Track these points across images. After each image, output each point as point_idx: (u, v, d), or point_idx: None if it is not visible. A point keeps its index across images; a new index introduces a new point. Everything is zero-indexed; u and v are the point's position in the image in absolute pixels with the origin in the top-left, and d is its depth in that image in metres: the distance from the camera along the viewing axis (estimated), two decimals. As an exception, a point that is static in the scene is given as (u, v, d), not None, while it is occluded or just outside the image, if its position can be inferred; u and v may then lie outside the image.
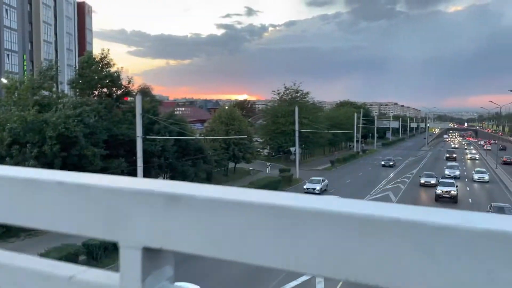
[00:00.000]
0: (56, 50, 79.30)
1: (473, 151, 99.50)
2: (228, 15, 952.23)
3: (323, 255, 0.57)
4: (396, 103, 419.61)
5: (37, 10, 72.35)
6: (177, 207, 0.69)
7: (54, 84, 28.96)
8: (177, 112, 66.29)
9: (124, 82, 32.45)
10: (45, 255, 16.28)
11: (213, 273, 19.25)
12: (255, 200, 0.64)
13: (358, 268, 0.55)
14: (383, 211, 0.56)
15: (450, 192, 37.48)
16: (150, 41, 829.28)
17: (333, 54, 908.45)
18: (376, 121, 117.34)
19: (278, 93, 70.72)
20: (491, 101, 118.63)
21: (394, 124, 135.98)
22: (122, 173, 30.14)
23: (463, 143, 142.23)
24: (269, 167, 55.28)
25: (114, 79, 31.28)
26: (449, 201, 37.29)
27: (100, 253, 19.63)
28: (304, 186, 42.00)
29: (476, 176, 52.17)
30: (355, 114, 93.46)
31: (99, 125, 28.87)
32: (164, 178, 39.36)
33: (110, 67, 31.38)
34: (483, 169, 56.58)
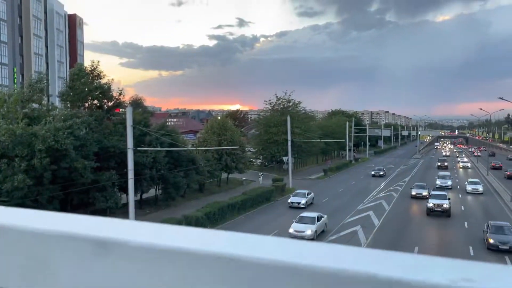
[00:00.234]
0: (47, 63, 78.92)
1: (465, 159, 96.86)
2: (220, 26, 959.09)
3: None
4: (387, 112, 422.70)
5: (28, 23, 72.14)
6: (106, 256, 0.57)
7: (44, 97, 28.71)
8: (169, 123, 66.13)
9: (115, 94, 32.30)
10: None
11: None
12: (201, 248, 0.50)
13: None
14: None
15: (442, 205, 34.96)
16: (142, 53, 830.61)
17: (324, 64, 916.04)
18: (368, 129, 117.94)
19: (270, 103, 70.90)
20: (481, 109, 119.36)
21: (386, 133, 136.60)
22: (113, 185, 29.90)
23: (455, 150, 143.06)
24: (261, 177, 55.11)
25: (105, 91, 31.09)
26: (441, 215, 35.08)
27: None
28: (289, 200, 39.61)
29: (469, 188, 48.99)
30: (347, 123, 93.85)
31: (90, 137, 28.61)
32: (156, 190, 39.06)
33: (100, 78, 31.22)
34: (477, 180, 52.91)
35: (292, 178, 54.41)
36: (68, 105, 31.69)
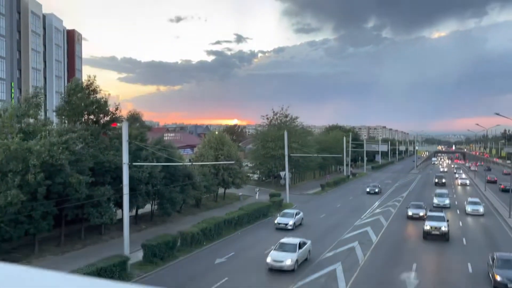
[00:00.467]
0: (44, 77, 79.08)
1: (463, 176, 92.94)
2: (218, 42, 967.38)
3: None
4: (384, 127, 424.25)
5: (26, 38, 72.47)
6: None
7: (40, 112, 28.58)
8: (166, 138, 66.01)
9: (111, 108, 32.18)
10: None
11: None
12: None
13: None
14: None
15: (440, 228, 31.85)
16: (141, 68, 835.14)
17: (321, 79, 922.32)
18: (365, 144, 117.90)
19: (267, 118, 70.97)
20: (478, 124, 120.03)
21: (383, 148, 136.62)
22: (108, 200, 29.56)
23: (452, 166, 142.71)
24: (258, 192, 54.75)
25: (101, 106, 31.02)
26: (439, 238, 31.95)
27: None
28: (276, 221, 36.79)
29: (469, 208, 45.48)
30: (344, 138, 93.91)
31: (85, 152, 28.41)
32: (152, 205, 38.69)
33: (96, 93, 31.18)
34: (477, 200, 48.69)
35: (289, 193, 54.15)
36: (65, 120, 31.57)
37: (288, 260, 24.70)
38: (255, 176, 71.63)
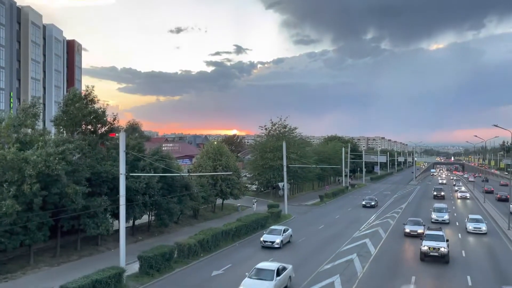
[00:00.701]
0: (44, 87, 79.29)
1: (463, 189, 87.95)
2: (218, 53, 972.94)
3: None
4: (383, 138, 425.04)
5: (26, 48, 72.78)
6: None
7: (38, 121, 28.48)
8: (165, 148, 65.88)
9: (109, 119, 32.11)
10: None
11: None
12: None
13: None
14: None
15: (439, 249, 28.81)
16: (140, 78, 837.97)
17: (320, 90, 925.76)
18: (364, 155, 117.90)
19: (266, 128, 71.00)
20: (476, 136, 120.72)
21: (382, 159, 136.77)
22: (105, 211, 29.34)
23: (451, 178, 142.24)
24: (255, 204, 54.41)
25: (99, 116, 30.96)
26: (438, 260, 29.08)
27: None
28: (262, 239, 33.64)
29: (470, 226, 41.23)
30: (343, 149, 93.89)
31: (82, 162, 28.27)
32: (149, 216, 38.44)
33: (94, 103, 31.14)
34: (479, 216, 43.74)
35: (288, 204, 53.92)
36: (62, 130, 31.47)
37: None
38: (254, 187, 71.38)
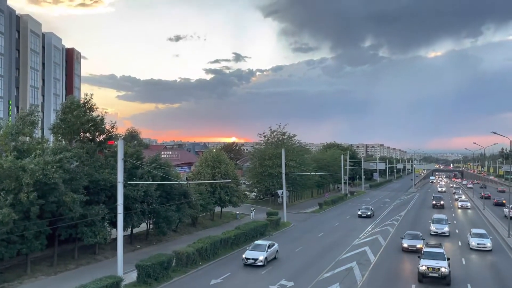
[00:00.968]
0: (43, 96, 79.25)
1: (463, 198, 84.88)
2: (217, 61, 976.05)
3: None
4: (382, 145, 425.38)
5: (25, 56, 72.87)
6: None
7: (36, 130, 28.41)
8: (163, 156, 65.62)
9: (107, 126, 32.05)
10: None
11: None
12: None
13: None
14: None
15: (439, 269, 25.92)
16: (139, 86, 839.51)
17: (319, 97, 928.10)
18: (363, 162, 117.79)
19: (264, 136, 70.94)
20: (475, 143, 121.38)
21: (381, 166, 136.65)
22: (102, 220, 29.14)
23: (451, 185, 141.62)
24: (253, 212, 54.06)
25: (97, 124, 30.89)
26: (437, 282, 26.18)
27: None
28: (244, 255, 30.33)
29: (474, 242, 36.80)
30: (342, 156, 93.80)
31: (80, 170, 28.14)
32: (147, 224, 38.21)
33: (93, 111, 31.09)
34: (483, 231, 39.29)
35: (287, 211, 53.72)
36: (60, 138, 31.36)
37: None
38: (253, 195, 71.16)
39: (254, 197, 71.74)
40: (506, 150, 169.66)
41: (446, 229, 43.84)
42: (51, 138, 36.37)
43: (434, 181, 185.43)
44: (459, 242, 40.44)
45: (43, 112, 77.07)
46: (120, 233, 25.11)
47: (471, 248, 36.79)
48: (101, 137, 31.90)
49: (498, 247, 38.07)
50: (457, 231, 46.58)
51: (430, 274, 26.23)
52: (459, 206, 72.68)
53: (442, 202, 72.59)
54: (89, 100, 30.96)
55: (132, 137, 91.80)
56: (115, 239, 27.03)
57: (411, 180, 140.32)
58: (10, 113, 66.71)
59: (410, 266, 30.52)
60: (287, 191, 60.21)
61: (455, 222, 54.20)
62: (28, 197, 22.76)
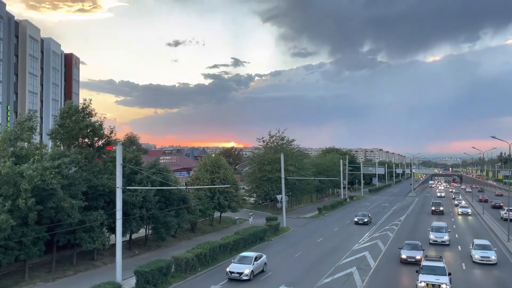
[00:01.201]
0: (41, 101, 79.20)
1: (463, 203, 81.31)
2: (215, 66, 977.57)
3: None
4: (381, 150, 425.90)
5: (24, 61, 72.89)
6: None
7: (34, 135, 28.32)
8: (162, 161, 65.58)
9: (106, 132, 31.95)
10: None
11: None
12: None
13: None
14: None
15: (440, 286, 23.94)
16: (138, 91, 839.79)
17: (318, 102, 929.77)
18: (362, 167, 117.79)
19: (263, 141, 70.91)
20: (474, 147, 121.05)
21: (380, 170, 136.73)
22: (101, 225, 28.99)
23: (450, 190, 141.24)
24: (251, 217, 53.78)
25: (96, 129, 30.80)
26: None
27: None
28: (228, 269, 27.82)
29: (477, 255, 33.19)
30: (341, 161, 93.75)
31: (78, 176, 28.02)
32: (146, 230, 38.04)
33: (91, 116, 31.02)
34: (486, 242, 35.61)
35: (286, 216, 53.55)
36: (59, 143, 31.27)
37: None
38: (252, 200, 70.99)
39: (253, 202, 71.56)
40: (505, 155, 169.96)
41: (446, 237, 41.20)
42: (50, 144, 36.29)
43: (433, 185, 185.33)
44: (461, 253, 37.42)
45: (41, 118, 76.97)
46: (118, 239, 24.96)
47: (474, 262, 33.20)
48: (100, 143, 31.79)
49: (504, 260, 34.50)
50: (458, 241, 43.15)
51: None
52: (459, 213, 69.49)
53: (441, 208, 70.09)
54: (88, 105, 30.90)
55: (131, 142, 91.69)
56: (114, 245, 26.87)
57: (410, 184, 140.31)
58: (8, 119, 66.62)
59: (411, 270, 30.06)
60: (287, 196, 60.08)
61: (455, 230, 50.88)
62: (26, 203, 22.63)
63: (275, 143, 70.11)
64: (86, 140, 31.18)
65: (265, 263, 30.15)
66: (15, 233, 23.38)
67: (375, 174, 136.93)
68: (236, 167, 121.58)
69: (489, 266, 32.33)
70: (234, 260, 28.92)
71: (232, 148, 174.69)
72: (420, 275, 25.24)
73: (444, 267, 26.17)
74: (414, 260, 32.24)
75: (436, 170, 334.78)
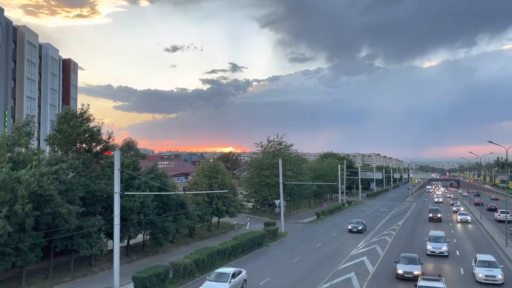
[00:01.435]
0: (39, 106, 79.06)
1: (462, 210, 78.23)
2: (213, 71, 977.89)
3: None
4: (378, 154, 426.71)
5: (22, 67, 72.84)
6: None
7: (32, 140, 28.26)
8: (160, 166, 65.42)
9: (104, 137, 31.92)
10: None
11: None
12: None
13: None
14: None
15: None
16: (136, 96, 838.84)
17: (315, 107, 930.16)
18: (360, 172, 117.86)
19: (261, 145, 70.94)
20: (471, 152, 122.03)
21: (378, 175, 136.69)
22: (99, 231, 28.88)
23: (448, 196, 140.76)
24: (248, 222, 53.49)
25: (94, 134, 30.76)
26: None
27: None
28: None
29: (480, 274, 29.06)
30: (339, 166, 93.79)
31: (76, 181, 27.93)
32: (144, 235, 37.89)
33: (89, 121, 30.99)
34: (491, 258, 31.15)
35: (284, 221, 53.45)
36: (57, 148, 31.19)
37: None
38: (250, 205, 70.87)
39: (251, 207, 71.44)
40: (502, 159, 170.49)
41: (444, 248, 37.94)
42: (47, 149, 36.19)
43: (431, 190, 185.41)
44: (461, 268, 33.31)
45: (39, 123, 76.81)
46: (116, 244, 24.86)
47: (477, 281, 29.03)
48: (98, 148, 31.75)
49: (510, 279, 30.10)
50: (457, 253, 39.53)
51: None
52: (459, 220, 65.58)
53: (439, 215, 66.60)
54: (86, 110, 30.88)
55: (129, 147, 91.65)
56: (112, 251, 26.77)
57: (408, 189, 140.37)
58: (6, 124, 66.46)
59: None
60: (285, 201, 60.03)
61: (455, 240, 47.13)
62: (23, 208, 22.51)
63: (273, 148, 70.14)
64: (84, 145, 31.12)
65: (245, 280, 26.93)
66: (12, 239, 23.25)
67: (373, 179, 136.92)
68: (234, 172, 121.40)
69: (495, 286, 28.36)
70: (209, 277, 26.02)
71: (230, 153, 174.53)
72: None
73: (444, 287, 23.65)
74: (411, 276, 29.05)
75: (433, 175, 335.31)
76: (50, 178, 23.33)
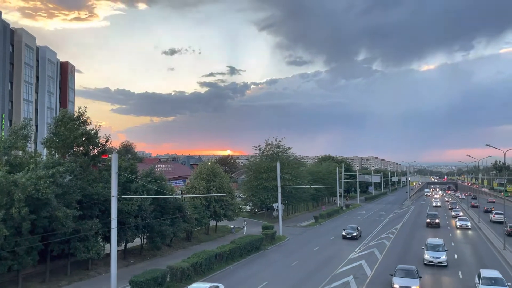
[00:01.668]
0: (36, 109, 78.85)
1: (461, 215, 75.72)
2: (211, 74, 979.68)
3: None
4: (376, 158, 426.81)
5: (19, 70, 72.65)
6: None
7: (29, 143, 28.09)
8: (158, 169, 65.25)
9: (101, 140, 31.78)
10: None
11: None
12: None
13: None
14: None
15: None
16: (134, 99, 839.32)
17: (313, 110, 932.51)
18: (358, 175, 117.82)
19: (259, 149, 70.84)
20: (469, 155, 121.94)
21: (376, 179, 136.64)
22: (96, 235, 28.71)
23: (446, 199, 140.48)
24: (245, 226, 53.14)
25: (91, 137, 30.63)
26: None
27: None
28: None
29: None
30: (337, 169, 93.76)
31: (73, 184, 27.77)
32: (141, 239, 37.70)
33: (86, 124, 30.86)
34: (497, 274, 27.48)
35: (282, 225, 53.31)
36: (54, 152, 31.03)
37: None
38: (248, 208, 70.69)
39: (249, 210, 71.28)
40: (499, 163, 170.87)
41: (443, 257, 35.28)
42: (44, 152, 36.03)
43: (429, 193, 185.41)
44: (462, 282, 30.27)
45: (36, 126, 76.54)
46: (113, 248, 24.70)
47: None
48: (95, 151, 31.59)
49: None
50: (457, 264, 36.48)
51: None
52: (458, 226, 62.03)
53: (437, 221, 63.49)
54: (83, 113, 30.75)
55: (126, 150, 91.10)
56: (109, 254, 26.59)
57: (406, 192, 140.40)
58: (3, 127, 66.23)
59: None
60: (283, 204, 59.87)
61: (454, 248, 44.00)
62: (20, 212, 22.35)
63: (271, 151, 70.05)
64: (81, 148, 30.97)
65: None
66: (8, 242, 23.07)
67: (371, 182, 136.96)
68: (232, 175, 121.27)
69: None
70: None
71: (228, 156, 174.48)
72: None
73: None
74: None
75: (431, 178, 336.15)
76: (47, 182, 23.18)
